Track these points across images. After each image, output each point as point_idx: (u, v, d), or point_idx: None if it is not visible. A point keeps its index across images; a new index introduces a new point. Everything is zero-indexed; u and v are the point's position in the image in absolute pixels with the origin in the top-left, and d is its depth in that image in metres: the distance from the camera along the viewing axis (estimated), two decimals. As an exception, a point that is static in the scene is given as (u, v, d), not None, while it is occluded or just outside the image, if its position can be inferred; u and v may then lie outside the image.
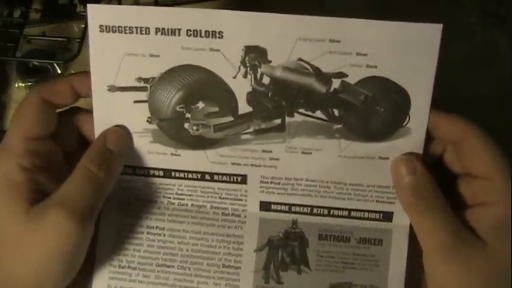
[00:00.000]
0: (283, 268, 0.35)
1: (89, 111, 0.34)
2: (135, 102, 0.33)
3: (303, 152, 0.33)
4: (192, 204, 0.34)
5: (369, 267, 0.35)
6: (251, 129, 0.33)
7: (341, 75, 0.31)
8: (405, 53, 0.31)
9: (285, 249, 0.35)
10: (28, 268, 0.30)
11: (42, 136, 0.32)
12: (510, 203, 0.30)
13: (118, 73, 0.31)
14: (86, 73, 0.32)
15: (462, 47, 0.40)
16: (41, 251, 0.30)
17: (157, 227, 0.35)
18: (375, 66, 0.31)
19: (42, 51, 0.52)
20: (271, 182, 0.33)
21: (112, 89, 0.33)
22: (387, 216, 0.34)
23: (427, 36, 0.31)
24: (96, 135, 0.33)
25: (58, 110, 0.34)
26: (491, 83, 0.32)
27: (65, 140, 0.34)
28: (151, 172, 0.33)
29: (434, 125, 0.32)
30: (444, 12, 0.40)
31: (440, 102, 0.35)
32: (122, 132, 0.34)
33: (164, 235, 0.35)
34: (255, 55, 0.31)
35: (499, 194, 0.30)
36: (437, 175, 0.32)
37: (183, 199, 0.34)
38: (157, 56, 0.31)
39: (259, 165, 0.33)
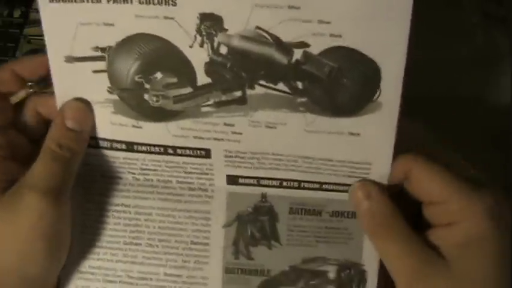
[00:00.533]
0: (253, 244, 0.34)
1: (47, 94, 0.35)
2: (94, 72, 0.33)
3: (267, 126, 0.33)
4: (158, 180, 0.33)
5: (342, 240, 0.34)
6: (211, 102, 0.33)
7: (302, 45, 0.31)
8: (374, 20, 0.30)
9: (255, 224, 0.34)
10: (9, 256, 0.32)
11: (2, 125, 0.34)
12: (471, 220, 0.30)
13: (74, 43, 0.31)
14: (27, 57, 0.31)
15: (462, 48, 0.40)
16: (19, 237, 0.31)
17: (122, 204, 0.34)
18: (340, 36, 0.31)
19: (42, 51, 0.51)
20: (236, 156, 0.32)
21: (69, 59, 0.33)
22: None
23: (398, 0, 0.29)
24: (58, 105, 0.34)
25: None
26: (492, 83, 0.31)
27: (28, 127, 0.36)
28: (114, 145, 0.34)
29: None
30: (445, 13, 0.40)
31: (440, 102, 0.35)
32: (80, 106, 0.34)
33: (130, 212, 0.34)
34: (210, 23, 0.31)
35: (458, 213, 0.31)
36: (405, 198, 0.33)
37: (148, 174, 0.33)
38: (112, 24, 0.31)
39: (222, 139, 0.33)
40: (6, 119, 0.34)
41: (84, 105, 0.34)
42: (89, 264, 0.37)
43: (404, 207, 0.33)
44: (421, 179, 0.32)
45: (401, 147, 0.33)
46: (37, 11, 0.51)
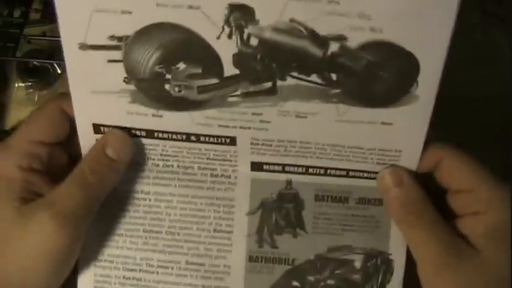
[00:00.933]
0: (278, 232, 0.33)
1: None
2: (109, 61, 0.32)
3: (297, 116, 0.33)
4: (178, 166, 0.33)
5: (369, 228, 0.33)
6: (239, 92, 0.33)
7: (339, 38, 0.30)
8: (418, 17, 0.30)
9: (279, 211, 0.33)
10: (13, 265, 0.32)
11: (48, 142, 0.34)
12: (499, 209, 0.31)
13: (88, 30, 0.31)
14: None
15: (462, 47, 0.38)
16: (26, 250, 0.32)
17: (142, 191, 0.33)
18: (380, 30, 0.30)
19: (42, 51, 0.53)
20: (262, 144, 0.32)
21: (83, 47, 0.32)
22: None
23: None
24: (72, 95, 0.33)
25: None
26: (491, 82, 0.31)
27: (74, 148, 0.35)
28: (133, 132, 0.32)
29: None
30: None
31: (440, 102, 0.34)
32: (122, 136, 0.34)
33: (150, 199, 0.33)
34: (240, 14, 0.30)
35: (486, 203, 0.31)
36: (430, 188, 0.34)
37: (168, 160, 0.33)
38: (130, 12, 0.30)
39: (249, 128, 0.33)
40: (59, 138, 0.34)
41: (127, 136, 0.34)
42: (108, 252, 0.36)
43: (431, 196, 0.33)
44: (452, 167, 0.33)
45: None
46: (37, 10, 0.52)
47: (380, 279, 0.36)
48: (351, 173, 0.35)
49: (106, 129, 0.34)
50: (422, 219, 0.32)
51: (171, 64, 0.32)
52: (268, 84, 0.32)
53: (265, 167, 0.35)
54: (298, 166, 0.35)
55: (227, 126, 0.34)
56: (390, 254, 0.36)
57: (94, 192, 0.33)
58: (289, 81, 0.32)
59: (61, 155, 0.35)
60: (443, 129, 0.36)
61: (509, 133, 0.35)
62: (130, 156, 0.34)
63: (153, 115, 0.34)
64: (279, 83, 0.32)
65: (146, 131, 0.34)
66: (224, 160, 0.35)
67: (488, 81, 0.34)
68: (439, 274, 0.32)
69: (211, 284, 0.37)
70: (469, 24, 0.40)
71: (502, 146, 0.33)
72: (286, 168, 0.35)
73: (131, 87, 0.33)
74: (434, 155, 0.33)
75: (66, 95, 0.34)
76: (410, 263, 0.35)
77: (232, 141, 0.34)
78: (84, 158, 0.34)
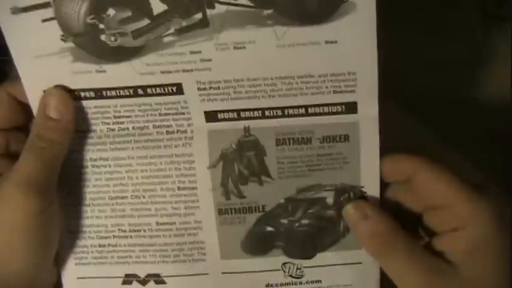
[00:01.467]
0: (243, 181, 0.33)
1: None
2: (43, 21, 0.32)
3: (235, 48, 0.32)
4: (133, 127, 0.32)
5: (337, 165, 0.32)
6: (172, 30, 0.32)
7: None
8: None
9: (241, 161, 0.32)
10: None
11: (2, 128, 0.34)
12: (478, 224, 0.30)
13: None
14: None
15: (462, 48, 0.39)
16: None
17: (101, 158, 0.33)
18: None
19: None
20: (210, 88, 0.31)
21: (15, 11, 0.31)
22: (351, 107, 0.30)
23: None
24: (16, 64, 0.33)
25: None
26: (492, 83, 0.28)
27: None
28: (82, 94, 0.33)
29: (383, 171, 0.34)
30: (444, 12, 0.39)
31: (440, 102, 0.35)
32: (60, 94, 0.33)
33: (110, 166, 0.33)
34: None
35: (464, 218, 0.30)
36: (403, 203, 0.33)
37: (123, 123, 0.32)
38: None
39: (192, 70, 0.32)
40: (12, 123, 0.35)
41: (64, 92, 0.33)
42: (80, 223, 0.36)
43: (404, 215, 0.33)
44: (427, 182, 0.31)
45: (402, 149, 0.32)
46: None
47: None
48: (310, 110, 0.33)
49: None
50: (395, 249, 0.31)
51: (101, 12, 0.31)
52: (199, 16, 0.31)
53: (219, 116, 0.34)
54: (254, 110, 0.33)
55: (170, 72, 0.32)
56: (363, 187, 0.35)
57: (48, 156, 0.33)
58: (219, 8, 0.30)
59: (20, 137, 0.35)
60: (442, 129, 0.37)
61: (508, 134, 0.35)
62: (71, 111, 0.33)
63: (97, 71, 0.33)
64: (209, 12, 0.31)
65: (94, 90, 0.33)
66: (176, 114, 0.34)
67: (488, 81, 0.32)
68: None
69: (185, 241, 0.36)
70: (469, 25, 0.39)
71: (501, 147, 0.33)
72: (242, 114, 0.34)
73: (70, 44, 0.32)
74: (407, 167, 0.32)
75: (13, 80, 0.34)
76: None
77: (179, 88, 0.33)
78: (32, 126, 0.34)
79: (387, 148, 0.34)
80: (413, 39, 0.37)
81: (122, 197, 0.36)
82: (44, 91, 0.33)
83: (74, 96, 0.33)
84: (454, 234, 0.31)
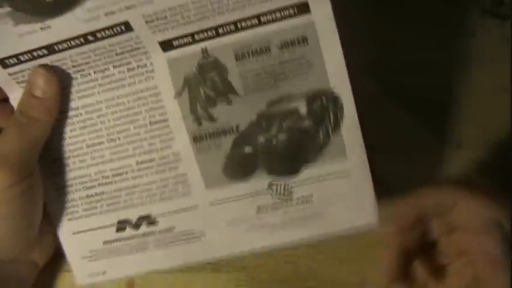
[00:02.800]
0: (211, 104, 0.32)
1: None
2: None
3: None
4: (95, 72, 0.32)
5: (302, 70, 0.32)
6: None
7: None
8: None
9: (205, 83, 0.32)
10: None
11: None
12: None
13: None
14: None
15: (462, 48, 0.39)
16: None
17: (70, 108, 0.33)
18: None
19: None
20: (157, 19, 0.30)
21: None
22: (303, 8, 0.30)
23: None
24: None
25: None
26: (492, 83, 0.28)
27: None
28: (35, 53, 0.31)
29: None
30: (445, 12, 0.39)
31: (440, 102, 0.35)
32: (45, 74, 0.34)
33: (81, 114, 0.34)
34: None
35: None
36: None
37: (83, 70, 0.32)
38: None
39: (134, 5, 0.31)
40: None
41: (49, 72, 0.34)
42: (64, 178, 0.37)
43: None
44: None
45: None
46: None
47: (331, 118, 0.35)
48: (263, 19, 0.33)
49: (11, 60, 0.34)
50: None
51: None
52: None
53: (174, 43, 0.34)
54: (207, 30, 0.33)
55: (113, 13, 0.32)
56: (333, 89, 0.34)
57: (29, 132, 0.34)
58: None
59: (8, 110, 0.36)
60: (442, 129, 0.37)
61: (508, 134, 0.35)
62: (55, 90, 0.34)
63: (41, 28, 0.33)
64: None
65: (46, 47, 0.34)
66: (132, 50, 0.34)
67: (489, 82, 0.32)
68: None
69: (167, 176, 0.37)
70: (469, 25, 0.39)
71: (501, 147, 0.33)
72: (196, 37, 0.34)
73: (7, 9, 0.32)
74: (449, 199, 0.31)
75: None
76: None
77: (128, 26, 0.33)
78: (18, 103, 0.35)
79: (386, 148, 0.33)
80: (412, 39, 0.37)
81: (99, 143, 0.36)
82: (1, 60, 0.34)
83: (29, 57, 0.34)
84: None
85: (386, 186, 0.36)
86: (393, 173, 0.37)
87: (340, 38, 0.33)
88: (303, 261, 0.39)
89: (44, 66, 0.34)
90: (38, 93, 0.34)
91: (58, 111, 0.35)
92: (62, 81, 0.35)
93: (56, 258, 0.40)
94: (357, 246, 0.39)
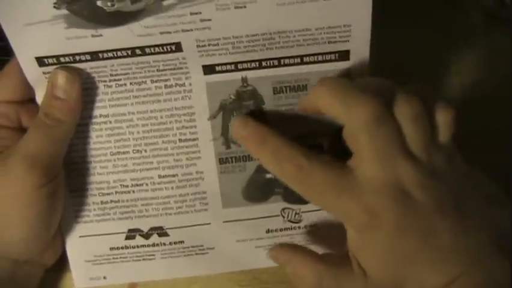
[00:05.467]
0: None
1: None
2: None
3: (236, 7, 0.32)
4: (131, 83, 0.33)
5: None
6: None
7: None
8: None
9: (240, 110, 0.34)
10: None
11: (15, 101, 0.36)
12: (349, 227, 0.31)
13: None
14: None
15: (463, 48, 0.39)
16: (2, 195, 0.33)
17: (100, 115, 0.34)
18: None
19: None
20: (209, 45, 0.31)
21: None
22: (343, 56, 0.32)
23: None
24: (7, 33, 0.33)
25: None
26: (492, 84, 0.30)
27: None
28: (77, 58, 0.31)
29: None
30: (445, 12, 0.40)
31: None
32: (67, 75, 0.34)
33: (110, 122, 0.34)
34: None
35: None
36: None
37: (120, 80, 0.33)
38: None
39: (191, 30, 0.33)
40: (24, 94, 0.36)
41: (70, 73, 0.34)
42: (82, 181, 0.37)
43: None
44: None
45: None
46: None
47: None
48: (305, 59, 0.35)
49: (49, 60, 0.34)
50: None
51: None
52: None
53: (217, 68, 0.35)
54: (251, 61, 0.35)
55: (169, 33, 0.33)
56: None
57: (54, 133, 0.34)
58: None
59: (34, 110, 0.36)
60: None
61: (508, 134, 0.35)
62: (77, 91, 0.34)
63: (93, 36, 0.33)
64: None
65: (90, 53, 0.34)
66: (175, 69, 0.35)
67: (489, 82, 0.34)
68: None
69: (187, 192, 0.38)
70: (469, 25, 0.40)
71: (502, 146, 0.33)
72: (239, 66, 0.35)
73: (64, 11, 0.32)
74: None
75: None
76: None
77: (178, 47, 0.34)
78: (41, 104, 0.35)
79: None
80: (412, 39, 0.38)
81: (124, 152, 0.37)
82: (36, 58, 0.34)
83: (70, 60, 0.34)
84: None
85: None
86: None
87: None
88: None
89: (66, 67, 0.34)
90: (60, 93, 0.34)
91: (82, 114, 0.36)
92: (95, 88, 0.36)
93: (60, 259, 0.40)
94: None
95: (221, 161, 0.37)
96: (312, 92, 0.32)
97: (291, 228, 0.39)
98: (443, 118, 0.30)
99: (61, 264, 0.40)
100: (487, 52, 0.40)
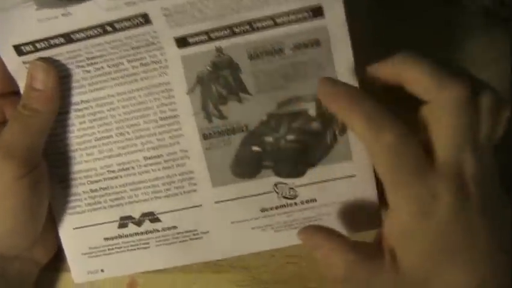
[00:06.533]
0: (223, 102, 0.33)
1: None
2: None
3: None
4: (108, 66, 0.33)
5: (313, 73, 0.33)
6: None
7: None
8: None
9: (218, 81, 0.33)
10: None
11: None
12: (404, 212, 0.29)
13: None
14: None
15: (463, 48, 0.39)
16: None
17: (81, 101, 0.34)
18: None
19: None
20: (175, 12, 0.31)
21: None
22: (317, 12, 0.31)
23: None
24: None
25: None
26: (492, 84, 0.32)
27: None
28: (51, 42, 0.32)
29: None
30: (445, 12, 0.40)
31: None
32: (43, 66, 0.35)
33: (92, 107, 0.34)
34: None
35: (392, 203, 0.30)
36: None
37: (97, 63, 0.33)
38: None
39: None
40: (4, 87, 0.36)
41: (46, 64, 0.35)
42: (69, 171, 0.37)
43: None
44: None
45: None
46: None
47: (339, 121, 0.36)
48: (278, 20, 0.34)
49: (27, 48, 0.35)
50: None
51: None
52: None
53: (190, 40, 0.35)
54: (223, 29, 0.35)
55: (134, 3, 0.33)
56: None
57: (31, 123, 0.34)
58: None
59: (17, 103, 0.36)
60: None
61: (508, 134, 0.34)
62: (53, 80, 0.35)
63: (62, 15, 0.34)
64: None
65: (64, 36, 0.35)
66: (148, 45, 0.35)
67: (489, 82, 0.34)
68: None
69: (174, 173, 0.37)
70: (469, 25, 0.40)
71: (502, 146, 0.32)
72: (211, 35, 0.35)
73: None
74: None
75: None
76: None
77: (146, 18, 0.34)
78: (21, 97, 0.36)
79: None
80: (412, 39, 0.36)
81: (108, 137, 0.37)
82: (14, 47, 0.35)
83: (46, 45, 0.35)
84: None
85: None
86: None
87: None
88: (305, 261, 0.40)
89: (43, 58, 0.35)
90: (38, 85, 0.35)
91: (60, 102, 0.36)
92: (75, 74, 0.36)
93: (58, 258, 0.39)
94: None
95: (205, 136, 0.36)
96: (395, 61, 0.31)
97: (287, 205, 0.37)
98: (503, 116, 0.29)
99: (59, 264, 0.40)
100: (486, 52, 0.39)
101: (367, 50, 0.37)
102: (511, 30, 0.39)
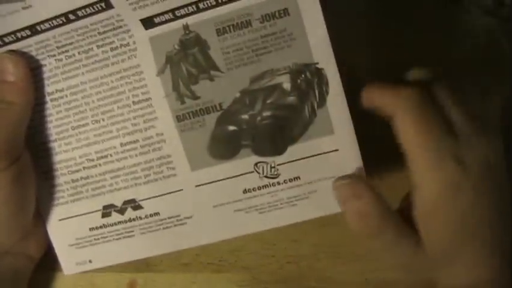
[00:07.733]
0: (193, 81, 0.33)
1: None
2: None
3: None
4: (79, 52, 0.32)
5: (284, 44, 0.32)
6: None
7: None
8: None
9: (187, 60, 0.32)
10: None
11: None
12: (434, 182, 0.30)
13: None
14: None
15: (463, 48, 0.39)
16: None
17: (56, 90, 0.34)
18: None
19: None
20: None
21: None
22: None
23: None
24: None
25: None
26: (493, 83, 0.33)
27: None
28: (18, 35, 0.32)
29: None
30: (445, 12, 0.40)
31: None
32: (10, 57, 0.35)
33: (66, 96, 0.34)
34: None
35: (421, 175, 0.30)
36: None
37: (67, 51, 0.33)
38: None
39: None
40: None
41: (11, 55, 0.35)
42: (51, 161, 0.37)
43: None
44: (404, 122, 0.31)
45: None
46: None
47: (316, 93, 0.34)
48: None
49: None
50: (384, 231, 0.32)
51: None
52: None
53: (156, 20, 0.34)
54: (187, 5, 0.34)
55: None
56: (317, 63, 0.34)
57: (7, 115, 0.34)
58: None
59: None
60: None
61: (508, 133, 0.35)
62: (23, 71, 0.35)
63: (23, 8, 0.34)
64: None
65: (29, 28, 0.35)
66: (114, 29, 0.35)
67: (488, 82, 0.34)
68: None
69: (152, 158, 0.36)
70: (469, 25, 0.39)
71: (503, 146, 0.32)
72: (177, 13, 0.34)
73: None
74: (390, 104, 0.31)
75: None
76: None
77: (107, 3, 0.33)
78: None
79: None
80: (412, 39, 0.37)
81: (84, 125, 0.37)
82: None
83: (13, 39, 0.35)
84: (414, 194, 0.31)
85: (375, 162, 0.35)
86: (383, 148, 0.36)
87: (341, 40, 0.33)
88: (305, 261, 0.39)
89: (9, 51, 0.35)
90: (8, 77, 0.34)
91: (35, 93, 0.36)
92: (47, 64, 0.36)
93: (56, 258, 0.39)
94: (360, 246, 0.38)
95: (178, 118, 0.35)
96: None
97: (270, 185, 0.36)
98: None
99: (59, 264, 0.40)
100: (486, 52, 0.39)
101: (366, 50, 0.36)
102: (511, 30, 0.38)
